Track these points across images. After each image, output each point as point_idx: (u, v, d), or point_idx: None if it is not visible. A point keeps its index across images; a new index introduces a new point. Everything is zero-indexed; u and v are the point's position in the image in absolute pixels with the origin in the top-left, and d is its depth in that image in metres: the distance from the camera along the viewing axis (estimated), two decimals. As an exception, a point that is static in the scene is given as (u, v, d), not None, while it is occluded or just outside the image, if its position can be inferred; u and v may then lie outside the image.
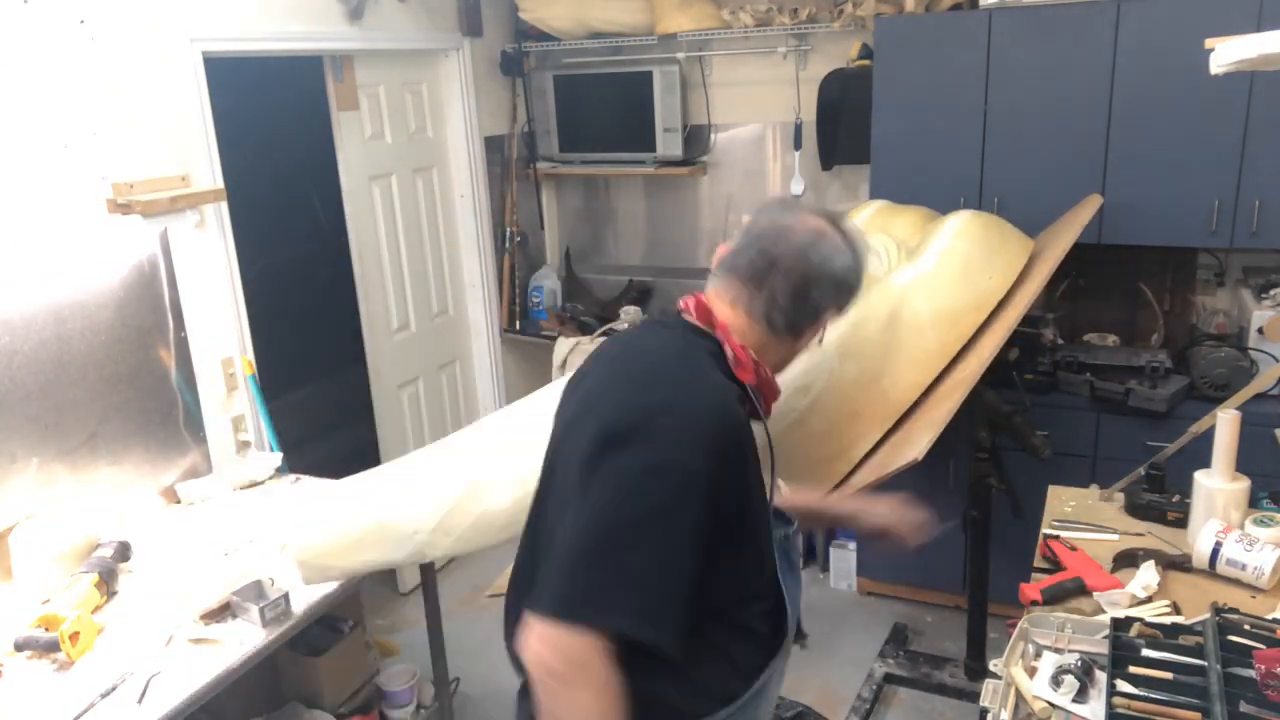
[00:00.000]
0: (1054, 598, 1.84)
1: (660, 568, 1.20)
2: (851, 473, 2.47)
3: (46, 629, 1.91)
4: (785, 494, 1.68)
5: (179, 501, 2.63)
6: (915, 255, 2.64)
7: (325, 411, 4.44)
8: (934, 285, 2.54)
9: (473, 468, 2.11)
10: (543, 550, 1.39)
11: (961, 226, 2.69)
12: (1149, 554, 1.93)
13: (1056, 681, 1.57)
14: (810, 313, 1.42)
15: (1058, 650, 1.69)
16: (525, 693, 1.35)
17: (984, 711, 1.56)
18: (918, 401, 2.50)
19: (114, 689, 1.81)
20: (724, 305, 1.42)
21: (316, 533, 2.09)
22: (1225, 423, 2.00)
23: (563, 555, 1.22)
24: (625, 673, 1.21)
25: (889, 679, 3.08)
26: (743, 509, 1.32)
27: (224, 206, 2.78)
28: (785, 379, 1.60)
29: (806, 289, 1.39)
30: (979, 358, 2.43)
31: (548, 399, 2.08)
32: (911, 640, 3.39)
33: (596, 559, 1.20)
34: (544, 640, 1.18)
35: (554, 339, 3.98)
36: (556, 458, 1.43)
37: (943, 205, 2.96)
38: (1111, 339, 3.40)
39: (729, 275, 1.43)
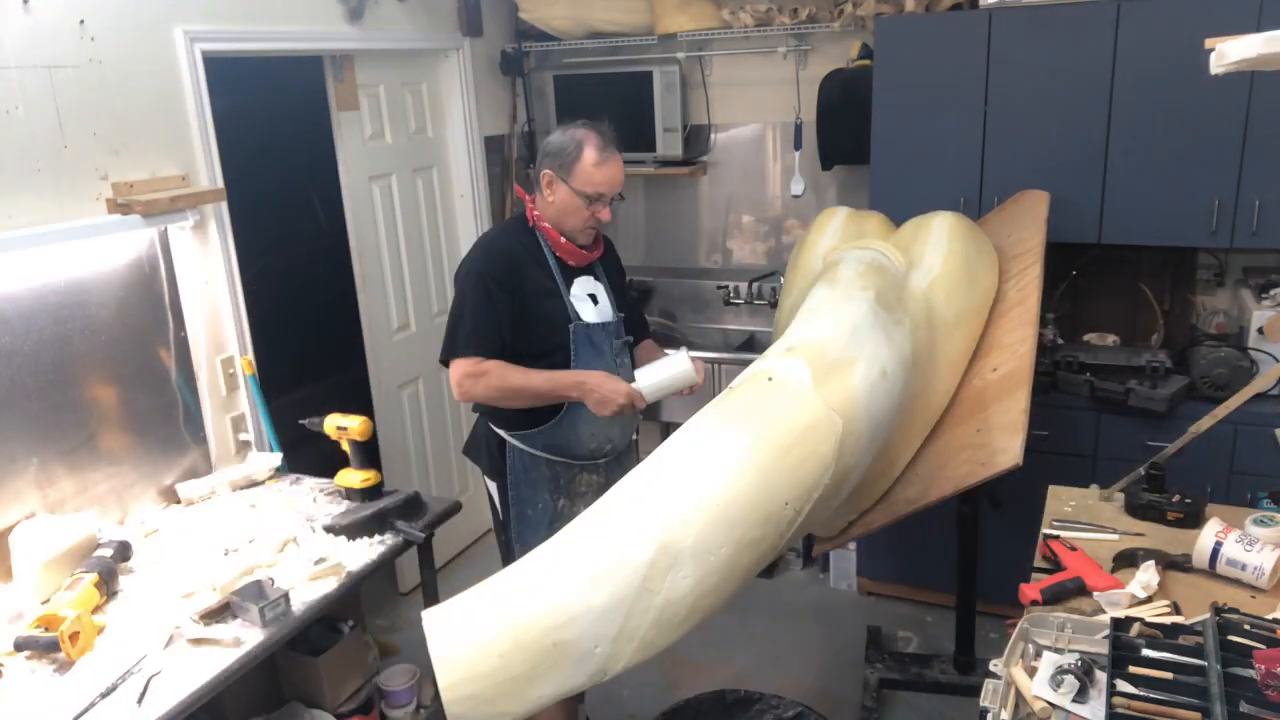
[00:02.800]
0: (1054, 598, 1.84)
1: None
2: (890, 489, 2.45)
3: (46, 629, 1.91)
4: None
5: (179, 501, 2.64)
6: (914, 258, 2.64)
7: (325, 411, 4.38)
8: (949, 286, 2.54)
9: (636, 547, 1.72)
10: None
11: (950, 227, 2.70)
12: (1149, 554, 1.93)
13: (1056, 681, 1.57)
14: (537, 173, 2.33)
15: (1058, 650, 1.69)
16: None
17: (984, 711, 1.56)
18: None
19: (114, 689, 1.81)
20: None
21: (473, 673, 1.66)
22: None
23: None
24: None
25: (884, 684, 3.07)
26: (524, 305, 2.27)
27: (224, 206, 2.78)
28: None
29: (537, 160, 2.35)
30: (1018, 355, 2.40)
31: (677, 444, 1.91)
32: (896, 641, 3.39)
33: None
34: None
35: (554, 339, 3.98)
36: None
37: (943, 205, 2.96)
38: (1111, 339, 3.41)
39: None
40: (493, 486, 2.51)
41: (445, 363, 2.29)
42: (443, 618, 1.73)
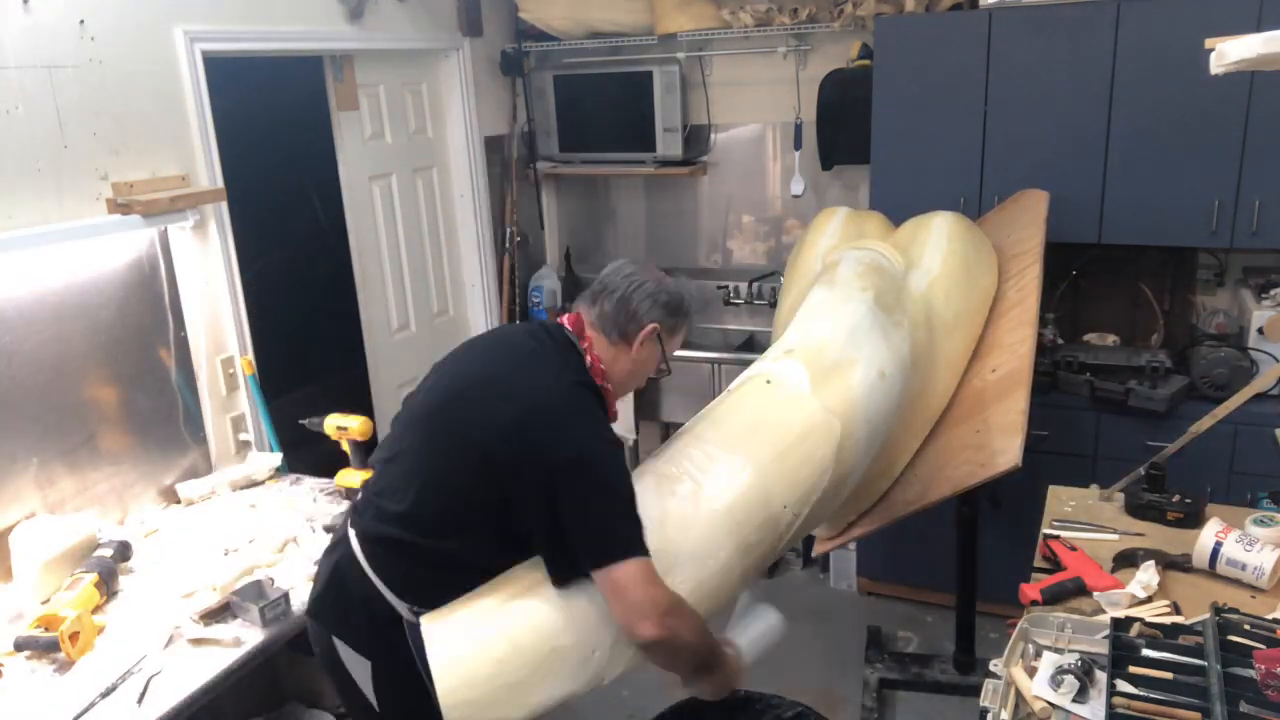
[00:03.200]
0: (1054, 598, 1.84)
1: None
2: (889, 490, 2.45)
3: (46, 629, 1.91)
4: None
5: (179, 501, 2.64)
6: (913, 258, 2.64)
7: (325, 411, 4.40)
8: (948, 287, 2.54)
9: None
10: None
11: (949, 228, 2.70)
12: (1149, 554, 1.93)
13: (1056, 681, 1.57)
14: (631, 317, 1.80)
15: (1058, 650, 1.69)
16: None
17: (984, 711, 1.56)
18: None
19: (114, 689, 1.81)
20: (585, 323, 1.84)
21: (471, 679, 1.63)
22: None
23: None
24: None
25: (884, 684, 3.08)
26: None
27: (224, 206, 2.78)
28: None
29: (628, 299, 1.80)
30: (1017, 355, 2.40)
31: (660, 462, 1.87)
32: (896, 641, 3.39)
33: None
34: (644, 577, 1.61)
35: (554, 339, 3.97)
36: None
37: (942, 205, 2.96)
38: (1111, 339, 3.41)
39: (583, 300, 1.87)
40: (360, 667, 1.78)
41: (599, 564, 1.61)
42: (441, 624, 1.73)
